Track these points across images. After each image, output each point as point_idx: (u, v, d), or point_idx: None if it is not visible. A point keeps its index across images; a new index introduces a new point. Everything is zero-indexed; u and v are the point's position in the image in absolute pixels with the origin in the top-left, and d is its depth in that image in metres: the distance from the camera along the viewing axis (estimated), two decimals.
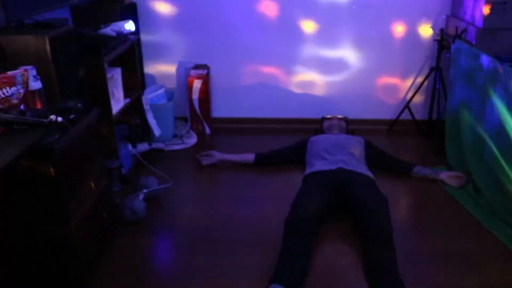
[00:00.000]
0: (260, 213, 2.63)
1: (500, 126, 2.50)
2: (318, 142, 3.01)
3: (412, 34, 3.55)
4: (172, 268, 2.23)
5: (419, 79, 3.64)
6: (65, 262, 1.94)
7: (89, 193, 2.07)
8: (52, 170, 1.77)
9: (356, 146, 2.94)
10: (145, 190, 2.64)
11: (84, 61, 2.48)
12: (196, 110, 3.63)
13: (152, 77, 3.73)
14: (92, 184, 2.11)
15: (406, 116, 3.68)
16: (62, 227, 1.87)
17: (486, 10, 2.87)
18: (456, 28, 3.14)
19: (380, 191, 2.53)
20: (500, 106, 2.51)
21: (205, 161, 3.15)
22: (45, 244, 1.90)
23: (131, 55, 3.07)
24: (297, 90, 3.76)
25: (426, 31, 3.53)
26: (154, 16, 3.53)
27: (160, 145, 3.34)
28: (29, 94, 1.89)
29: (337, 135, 3.14)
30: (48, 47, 2.07)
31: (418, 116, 3.71)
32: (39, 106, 1.98)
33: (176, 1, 3.50)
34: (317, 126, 3.47)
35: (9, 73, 1.79)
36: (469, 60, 2.88)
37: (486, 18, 2.89)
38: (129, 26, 2.92)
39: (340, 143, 2.94)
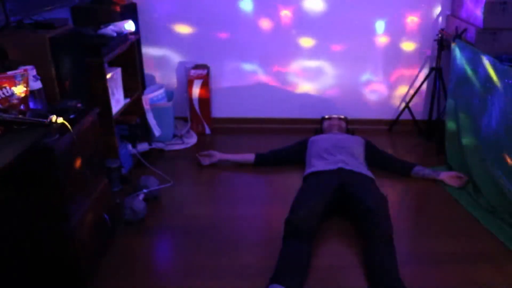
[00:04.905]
0: (260, 213, 2.63)
1: (499, 127, 2.50)
2: (319, 142, 3.01)
3: (412, 34, 3.55)
4: (172, 268, 2.23)
5: (419, 79, 3.65)
6: (65, 262, 1.94)
7: (89, 193, 2.07)
8: (52, 170, 1.77)
9: (356, 146, 2.94)
10: (145, 190, 2.64)
11: (84, 61, 2.48)
12: (196, 110, 3.63)
13: (152, 77, 3.73)
14: (92, 184, 2.11)
15: (406, 116, 3.68)
16: (62, 227, 1.87)
17: (485, 13, 2.87)
18: (456, 28, 3.14)
19: (380, 191, 2.54)
20: (500, 107, 2.51)
21: (205, 161, 3.15)
22: (45, 244, 1.90)
23: (131, 55, 3.07)
24: (297, 90, 3.76)
25: (426, 31, 3.53)
26: (154, 16, 3.53)
27: (160, 145, 3.34)
28: (29, 94, 1.89)
29: (337, 135, 3.14)
30: (48, 47, 2.07)
31: (418, 116, 3.71)
32: (39, 106, 1.98)
33: (176, 1, 3.50)
34: (317, 126, 3.47)
35: (9, 73, 1.78)
36: (469, 60, 2.88)
37: (486, 18, 2.90)
38: (129, 26, 2.92)
39: (340, 143, 2.94)
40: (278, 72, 3.70)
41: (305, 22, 3.53)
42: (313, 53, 3.63)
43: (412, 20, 3.51)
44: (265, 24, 3.54)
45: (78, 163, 1.96)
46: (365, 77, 3.70)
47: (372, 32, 3.55)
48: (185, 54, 3.66)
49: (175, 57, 3.68)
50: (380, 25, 3.53)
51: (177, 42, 3.62)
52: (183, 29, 3.58)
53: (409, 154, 3.34)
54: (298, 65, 3.67)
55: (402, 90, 3.73)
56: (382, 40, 3.57)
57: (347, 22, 3.52)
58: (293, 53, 3.63)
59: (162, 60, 3.69)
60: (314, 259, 2.18)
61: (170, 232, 2.47)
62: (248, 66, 3.69)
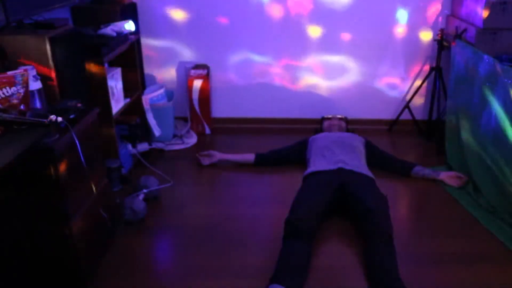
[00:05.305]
0: (260, 213, 2.63)
1: (499, 127, 2.50)
2: (319, 140, 3.01)
3: (412, 34, 3.55)
4: (172, 268, 2.23)
5: (419, 79, 3.65)
6: (65, 262, 1.94)
7: (89, 193, 2.07)
8: (52, 170, 1.77)
9: (356, 144, 2.94)
10: (145, 190, 2.64)
11: (84, 61, 2.48)
12: (196, 110, 3.63)
13: (152, 77, 3.73)
14: (92, 184, 2.11)
15: (406, 116, 3.68)
16: (62, 227, 1.87)
17: (485, 13, 2.88)
18: (456, 28, 3.14)
19: (380, 191, 2.53)
20: (499, 107, 2.51)
21: (205, 161, 3.15)
22: (45, 244, 1.90)
23: (131, 55, 3.07)
24: (298, 90, 3.76)
25: (426, 31, 3.53)
26: (154, 16, 3.53)
27: (160, 145, 3.34)
28: (29, 94, 1.89)
29: (337, 133, 3.14)
30: (48, 47, 2.07)
31: (418, 116, 3.71)
32: (39, 106, 1.98)
33: (176, 1, 3.50)
34: (317, 126, 3.47)
35: (9, 73, 1.79)
36: (468, 60, 2.88)
37: (486, 18, 2.90)
38: (129, 26, 2.92)
39: (341, 140, 2.94)
40: (278, 72, 3.69)
41: (307, 24, 3.53)
42: (314, 53, 3.62)
43: (412, 19, 3.50)
44: (266, 24, 3.54)
45: (78, 163, 1.96)
46: (365, 77, 3.70)
47: (371, 32, 3.55)
48: (185, 54, 3.66)
49: (175, 57, 3.68)
50: (380, 25, 3.53)
51: (177, 41, 3.62)
52: (183, 29, 3.57)
53: (409, 154, 3.34)
54: (298, 65, 3.67)
55: (402, 90, 3.73)
56: (382, 40, 3.57)
57: (349, 20, 3.52)
58: (293, 53, 3.62)
59: (162, 60, 3.69)
60: (314, 259, 2.18)
61: (170, 232, 2.47)
62: (248, 66, 3.68)
